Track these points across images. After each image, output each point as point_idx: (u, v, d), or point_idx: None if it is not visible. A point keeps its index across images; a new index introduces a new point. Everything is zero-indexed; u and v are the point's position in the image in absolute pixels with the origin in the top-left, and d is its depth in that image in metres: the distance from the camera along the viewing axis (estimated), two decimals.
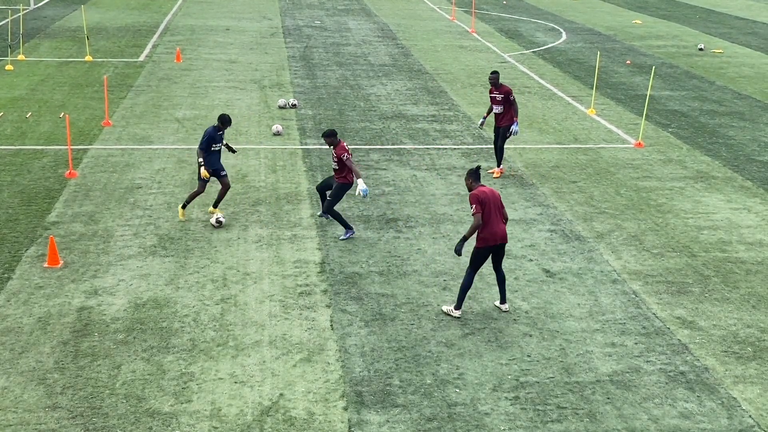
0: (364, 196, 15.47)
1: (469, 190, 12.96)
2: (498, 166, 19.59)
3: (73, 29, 37.98)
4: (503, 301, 13.32)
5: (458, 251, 12.74)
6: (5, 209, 16.83)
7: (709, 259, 15.45)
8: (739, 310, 13.59)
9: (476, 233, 12.71)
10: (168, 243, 15.50)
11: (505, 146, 19.55)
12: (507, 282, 14.19)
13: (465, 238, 12.63)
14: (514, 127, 19.02)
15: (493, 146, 19.75)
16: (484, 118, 19.68)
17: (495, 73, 19.11)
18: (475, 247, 12.82)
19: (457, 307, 13.02)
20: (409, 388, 11.18)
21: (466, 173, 13.39)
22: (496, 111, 19.13)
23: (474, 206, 12.61)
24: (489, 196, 12.72)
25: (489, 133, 23.16)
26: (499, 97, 18.97)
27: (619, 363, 11.93)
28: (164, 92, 26.93)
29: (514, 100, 18.98)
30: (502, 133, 19.18)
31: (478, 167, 13.15)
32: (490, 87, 19.26)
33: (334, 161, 15.57)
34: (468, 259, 13.63)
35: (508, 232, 16.28)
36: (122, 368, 11.45)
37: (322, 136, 15.74)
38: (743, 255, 15.68)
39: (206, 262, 14.74)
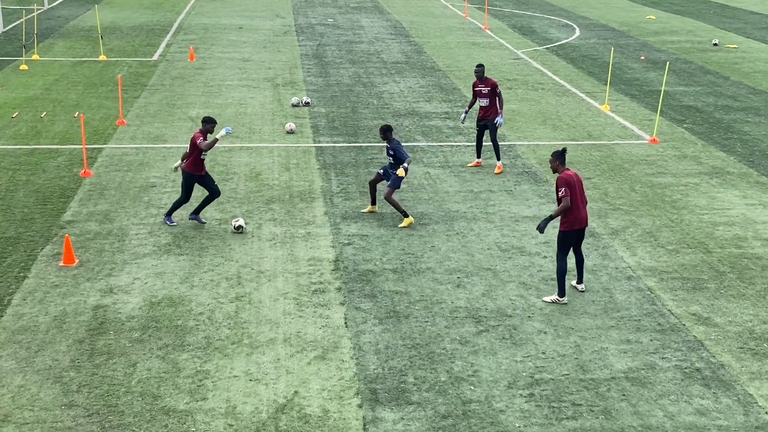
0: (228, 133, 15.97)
1: (554, 172, 13.32)
2: (498, 160, 19.62)
3: (87, 29, 38.13)
4: (580, 281, 13.72)
5: (541, 229, 13.20)
6: (21, 208, 16.92)
7: (724, 255, 15.38)
8: (755, 306, 13.52)
9: (560, 217, 13.17)
10: (182, 241, 15.54)
11: (498, 140, 19.85)
12: (522, 279, 14.20)
13: (551, 217, 13.13)
14: (499, 119, 19.24)
15: (476, 141, 19.81)
16: (466, 112, 19.74)
17: (480, 66, 19.31)
18: (560, 231, 13.24)
19: (561, 294, 13.35)
20: (424, 386, 11.17)
21: (551, 155, 13.29)
22: (483, 104, 19.25)
23: (563, 189, 12.98)
24: (575, 181, 13.10)
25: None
26: (485, 90, 19.12)
27: (635, 360, 11.89)
28: (178, 91, 27.00)
29: (500, 93, 19.25)
30: (491, 127, 19.32)
31: (564, 149, 13.33)
32: (474, 81, 19.42)
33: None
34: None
35: (519, 230, 16.27)
36: (137, 366, 11.49)
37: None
38: (759, 251, 15.61)
39: (220, 261, 14.77)
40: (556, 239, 15.87)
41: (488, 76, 19.49)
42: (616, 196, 18.23)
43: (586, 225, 13.29)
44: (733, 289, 14.10)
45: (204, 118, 15.89)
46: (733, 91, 28.35)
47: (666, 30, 40.89)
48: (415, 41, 37.02)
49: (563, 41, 37.45)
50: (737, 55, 34.75)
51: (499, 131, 21.04)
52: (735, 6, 50.31)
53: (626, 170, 19.92)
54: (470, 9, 47.08)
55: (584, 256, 14.03)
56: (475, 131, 19.88)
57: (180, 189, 16.38)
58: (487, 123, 19.35)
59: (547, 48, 35.76)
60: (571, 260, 14.07)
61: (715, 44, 36.81)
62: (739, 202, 18.06)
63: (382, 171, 16.60)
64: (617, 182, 19.10)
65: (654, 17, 44.94)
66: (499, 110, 19.26)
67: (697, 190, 18.70)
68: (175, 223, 16.22)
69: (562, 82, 29.27)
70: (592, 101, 26.54)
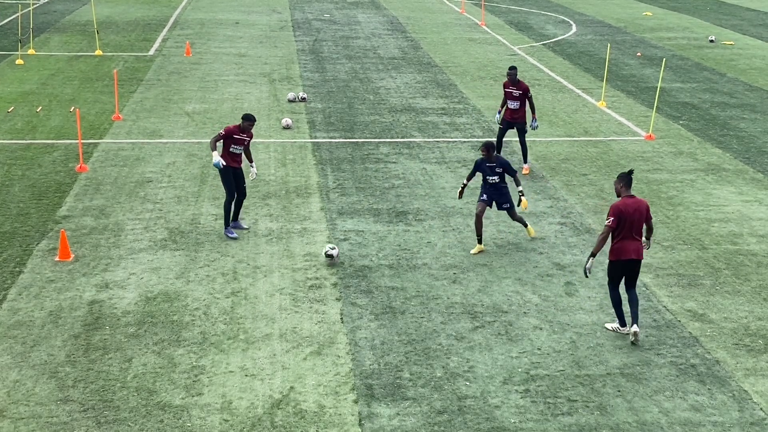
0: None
1: (618, 196, 12.19)
2: (525, 162, 19.42)
3: (83, 23, 38.06)
4: (634, 322, 12.07)
5: (586, 271, 12.14)
6: (16, 203, 16.90)
7: (720, 252, 15.40)
8: (750, 303, 13.54)
9: (609, 246, 12.14)
10: (178, 237, 15.53)
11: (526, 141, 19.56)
12: (518, 275, 14.19)
13: (592, 254, 12.08)
14: (534, 123, 19.21)
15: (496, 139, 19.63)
16: (499, 112, 19.39)
17: (513, 68, 19.10)
18: (609, 260, 12.28)
19: (621, 324, 12.41)
20: (419, 381, 11.18)
21: (617, 177, 12.21)
22: (513, 107, 19.01)
23: (611, 219, 11.90)
24: (631, 209, 11.92)
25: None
26: (516, 93, 18.90)
27: (630, 356, 11.90)
28: (174, 86, 26.97)
29: (531, 96, 18.98)
30: (520, 129, 19.12)
31: (631, 171, 12.26)
32: (505, 81, 19.15)
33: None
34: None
35: (515, 226, 16.25)
36: (133, 361, 11.49)
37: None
38: (754, 247, 15.63)
39: (216, 256, 14.77)
40: (548, 236, 15.91)
41: (520, 79, 19.19)
42: (612, 192, 18.23)
43: (638, 257, 12.01)
44: (728, 285, 14.12)
45: (243, 115, 15.37)
46: (729, 87, 28.38)
47: (662, 26, 40.90)
48: (411, 37, 37.00)
49: (560, 37, 37.45)
50: (734, 52, 34.77)
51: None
52: (731, 3, 50.33)
53: (622, 167, 19.92)
54: (467, 5, 47.05)
55: (636, 295, 12.31)
56: (497, 129, 19.52)
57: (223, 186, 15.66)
58: (514, 125, 19.05)
59: (543, 44, 35.75)
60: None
61: (712, 41, 36.83)
62: (735, 198, 18.08)
63: (485, 197, 15.16)
64: (613, 179, 19.10)
65: (651, 14, 44.95)
66: (532, 114, 19.11)
67: (692, 187, 18.72)
68: (236, 236, 15.48)
69: (558, 78, 29.27)
70: (588, 97, 26.55)
